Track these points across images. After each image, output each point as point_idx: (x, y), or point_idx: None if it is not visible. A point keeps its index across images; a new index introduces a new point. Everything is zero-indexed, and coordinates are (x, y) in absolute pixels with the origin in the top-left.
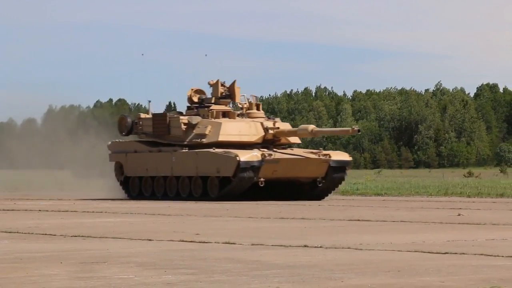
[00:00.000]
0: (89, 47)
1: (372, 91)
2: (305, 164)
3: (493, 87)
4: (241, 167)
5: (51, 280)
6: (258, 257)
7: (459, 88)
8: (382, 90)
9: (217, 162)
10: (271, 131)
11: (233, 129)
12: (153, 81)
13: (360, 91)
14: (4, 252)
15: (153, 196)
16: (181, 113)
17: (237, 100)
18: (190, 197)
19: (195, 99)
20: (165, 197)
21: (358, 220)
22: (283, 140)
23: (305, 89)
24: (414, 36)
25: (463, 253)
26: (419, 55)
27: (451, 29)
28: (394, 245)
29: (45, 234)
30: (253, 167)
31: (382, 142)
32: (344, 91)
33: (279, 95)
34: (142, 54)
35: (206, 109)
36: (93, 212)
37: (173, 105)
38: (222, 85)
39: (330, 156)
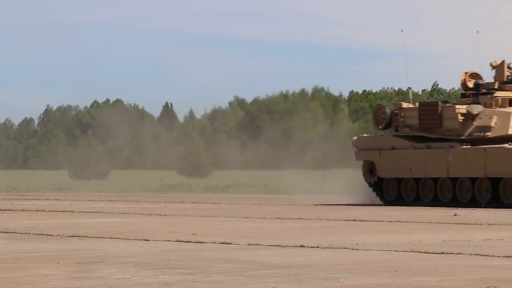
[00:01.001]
0: (87, 47)
1: (369, 91)
2: None
3: None
4: None
5: (47, 280)
6: (255, 257)
7: (456, 88)
8: (378, 91)
9: None
10: None
11: None
12: (152, 81)
13: (357, 91)
14: (1, 252)
15: (417, 201)
16: (446, 102)
17: None
18: (472, 203)
19: (470, 84)
20: (435, 202)
21: (355, 220)
22: None
23: (302, 89)
24: (410, 36)
25: (460, 253)
26: (416, 55)
27: (448, 29)
28: (391, 245)
29: (42, 234)
30: None
31: None
32: (340, 92)
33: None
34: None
35: (488, 96)
36: (89, 212)
37: (170, 106)
38: (509, 67)
39: None
